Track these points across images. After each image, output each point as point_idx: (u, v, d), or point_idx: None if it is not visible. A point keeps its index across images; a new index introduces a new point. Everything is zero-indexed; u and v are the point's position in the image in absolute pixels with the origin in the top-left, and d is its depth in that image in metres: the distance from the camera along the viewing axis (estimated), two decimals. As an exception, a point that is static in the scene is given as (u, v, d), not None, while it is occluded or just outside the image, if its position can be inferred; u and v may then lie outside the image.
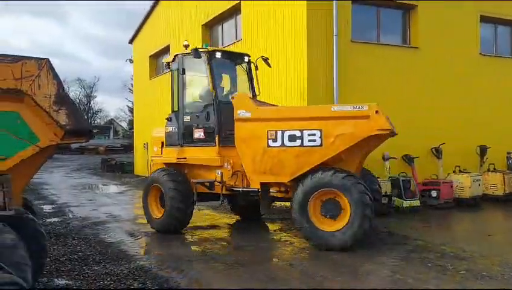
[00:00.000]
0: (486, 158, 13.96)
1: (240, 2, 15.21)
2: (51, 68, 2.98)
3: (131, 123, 47.57)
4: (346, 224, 7.63)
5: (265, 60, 10.77)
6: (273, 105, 9.98)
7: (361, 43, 12.86)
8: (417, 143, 13.35)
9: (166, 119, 10.21)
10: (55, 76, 2.97)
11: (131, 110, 49.17)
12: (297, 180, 8.09)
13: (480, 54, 14.73)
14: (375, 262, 7.09)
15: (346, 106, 8.11)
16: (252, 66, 10.75)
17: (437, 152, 13.38)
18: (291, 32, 12.61)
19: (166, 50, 21.78)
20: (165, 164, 10.10)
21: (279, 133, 8.19)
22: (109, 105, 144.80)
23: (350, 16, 12.58)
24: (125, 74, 78.47)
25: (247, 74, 10.83)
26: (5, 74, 2.82)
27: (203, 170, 9.59)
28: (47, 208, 13.25)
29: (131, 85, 37.98)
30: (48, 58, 2.97)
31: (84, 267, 6.92)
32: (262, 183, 8.63)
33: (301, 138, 8.06)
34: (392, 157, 12.38)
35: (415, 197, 11.73)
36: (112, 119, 79.69)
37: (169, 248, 8.39)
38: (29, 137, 2.92)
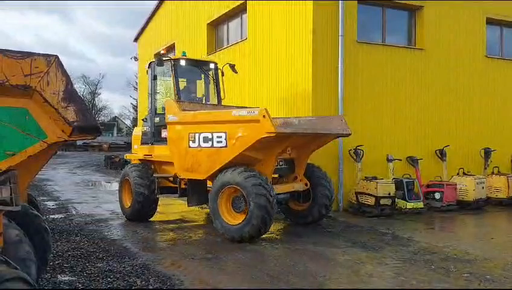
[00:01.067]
0: (491, 161, 13.92)
1: (245, 1, 15.20)
2: (60, 65, 2.99)
3: (135, 121, 47.65)
4: (245, 217, 8.33)
5: (232, 66, 12.07)
6: (241, 107, 10.53)
7: (367, 44, 12.82)
8: (421, 145, 13.35)
9: (143, 119, 11.26)
10: (64, 73, 2.98)
11: (135, 108, 49.24)
12: None
13: (486, 56, 14.68)
14: (379, 263, 7.09)
15: (242, 111, 8.80)
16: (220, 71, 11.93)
17: (441, 154, 13.35)
18: (296, 32, 12.59)
19: (171, 48, 21.78)
20: (139, 160, 11.11)
21: (197, 135, 9.14)
22: (113, 102, 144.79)
23: (356, 16, 12.55)
24: (129, 72, 78.43)
25: (213, 80, 11.84)
26: (15, 70, 2.82)
27: (168, 166, 10.36)
28: (50, 204, 13.28)
29: (136, 83, 38.05)
30: (57, 55, 2.97)
31: (87, 264, 6.94)
32: (189, 179, 9.57)
33: (212, 139, 8.95)
34: (396, 159, 12.37)
35: (418, 199, 11.71)
36: (115, 116, 79.91)
37: (173, 245, 8.40)
38: (37, 133, 2.92)
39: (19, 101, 2.87)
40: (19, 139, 2.86)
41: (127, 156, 12.12)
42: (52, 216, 11.12)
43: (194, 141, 9.20)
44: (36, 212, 5.53)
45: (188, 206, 9.93)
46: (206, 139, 9.02)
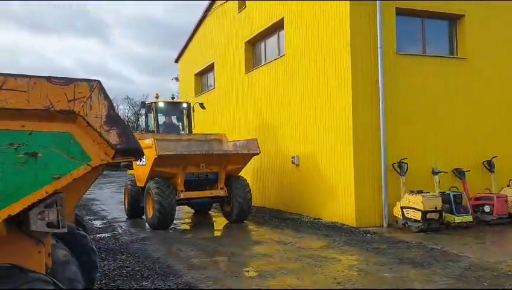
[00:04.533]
0: (543, 171, 13.27)
1: (282, 18, 15.30)
2: (102, 89, 3.07)
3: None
4: (153, 213, 12.02)
5: (201, 104, 16.06)
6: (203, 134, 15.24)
7: (407, 55, 12.60)
8: (468, 156, 12.91)
9: None
10: (106, 97, 3.06)
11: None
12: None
13: (533, 62, 14.13)
14: (428, 281, 6.85)
15: (147, 140, 11.90)
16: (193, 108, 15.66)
17: (489, 165, 12.86)
18: (334, 46, 12.53)
19: (210, 68, 22.15)
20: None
21: None
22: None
23: (394, 27, 12.37)
24: (169, 92, 79.21)
25: (186, 115, 15.69)
26: (59, 96, 2.92)
27: None
28: (97, 223, 13.61)
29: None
30: (99, 80, 3.06)
31: (132, 283, 7.04)
32: (140, 187, 13.16)
33: (141, 159, 11.70)
34: (441, 172, 12.00)
35: (467, 212, 11.28)
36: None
37: (216, 264, 8.41)
38: (81, 156, 3.00)
39: (63, 126, 2.96)
40: (64, 163, 2.94)
41: (129, 172, 14.91)
42: (99, 235, 11.38)
43: (139, 160, 12.20)
44: (83, 233, 5.65)
45: (141, 206, 13.13)
46: (141, 159, 11.92)
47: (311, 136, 13.68)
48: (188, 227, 13.26)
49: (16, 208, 2.83)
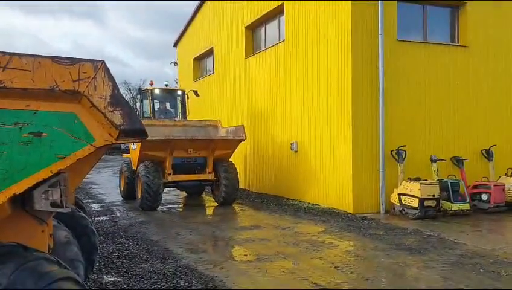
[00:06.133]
0: (541, 161, 13.34)
1: (283, 3, 15.19)
2: (106, 70, 3.05)
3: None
4: (140, 194, 12.75)
5: (195, 92, 16.96)
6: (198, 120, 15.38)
7: (408, 42, 12.55)
8: (466, 145, 12.96)
9: None
10: (110, 77, 3.05)
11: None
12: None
13: (534, 51, 14.10)
14: (425, 267, 6.92)
15: None
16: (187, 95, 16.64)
17: (488, 154, 12.91)
18: (335, 32, 12.47)
19: (209, 52, 22.03)
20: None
21: None
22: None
23: (396, 14, 12.31)
24: (165, 76, 78.49)
25: (181, 102, 16.59)
26: (64, 76, 2.91)
27: None
28: (96, 206, 13.65)
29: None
30: (104, 61, 3.04)
31: (131, 265, 7.09)
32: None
33: (134, 144, 13.26)
34: (440, 160, 12.04)
35: (464, 200, 11.35)
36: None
37: (215, 247, 8.47)
38: (85, 137, 2.99)
39: (67, 106, 2.95)
40: (69, 143, 2.94)
41: (124, 155, 15.61)
42: (98, 218, 11.42)
43: (133, 145, 13.68)
44: (83, 215, 5.69)
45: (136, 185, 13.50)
46: (134, 144, 13.29)
47: (310, 123, 13.67)
48: (185, 211, 13.34)
49: (21, 186, 2.83)
